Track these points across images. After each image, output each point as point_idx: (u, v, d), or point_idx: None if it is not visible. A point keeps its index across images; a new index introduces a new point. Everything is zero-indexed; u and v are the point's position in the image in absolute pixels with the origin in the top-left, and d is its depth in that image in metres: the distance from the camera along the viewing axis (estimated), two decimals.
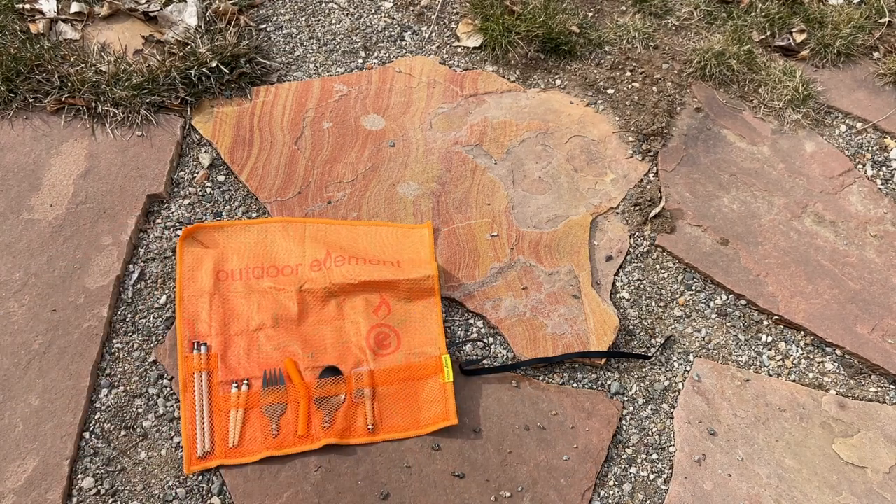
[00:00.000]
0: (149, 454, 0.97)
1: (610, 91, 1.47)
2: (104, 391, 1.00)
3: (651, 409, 1.09)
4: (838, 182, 1.40)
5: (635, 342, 1.16)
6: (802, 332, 1.20)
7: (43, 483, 0.92)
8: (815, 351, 1.19)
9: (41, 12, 1.37)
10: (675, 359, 1.15)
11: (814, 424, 1.10)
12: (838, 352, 1.19)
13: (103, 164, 1.21)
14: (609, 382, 1.11)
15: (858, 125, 1.51)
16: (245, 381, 1.00)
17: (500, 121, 1.39)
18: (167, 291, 1.10)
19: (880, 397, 1.15)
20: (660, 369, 1.14)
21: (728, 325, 1.20)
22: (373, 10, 1.55)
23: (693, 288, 1.23)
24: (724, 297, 1.23)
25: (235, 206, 1.21)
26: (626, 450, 1.06)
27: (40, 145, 1.21)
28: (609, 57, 1.52)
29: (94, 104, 1.25)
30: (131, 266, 1.12)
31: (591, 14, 1.61)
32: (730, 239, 1.28)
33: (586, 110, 1.43)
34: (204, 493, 0.95)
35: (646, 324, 1.18)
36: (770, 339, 1.19)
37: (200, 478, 0.96)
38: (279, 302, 1.07)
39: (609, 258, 1.23)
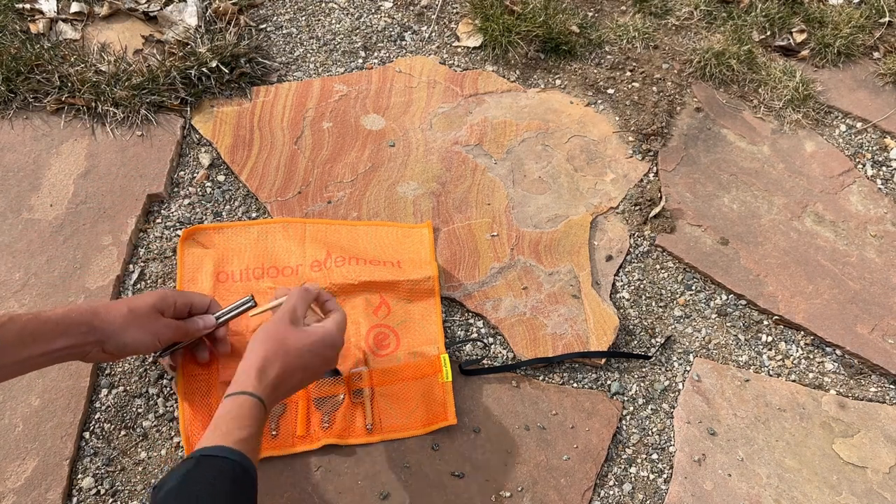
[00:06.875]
0: (149, 454, 0.97)
1: (610, 91, 1.47)
2: (104, 391, 1.00)
3: (651, 409, 1.09)
4: (838, 182, 1.40)
5: (635, 342, 1.16)
6: (802, 332, 1.20)
7: (43, 483, 0.92)
8: (815, 351, 1.19)
9: (41, 12, 1.37)
10: (675, 359, 1.15)
11: (814, 424, 1.10)
12: (838, 352, 1.19)
13: (103, 164, 1.21)
14: (609, 382, 1.11)
15: (858, 125, 1.51)
16: None
17: (500, 121, 1.39)
18: None
19: (880, 397, 1.15)
20: (660, 369, 1.14)
21: (728, 325, 1.20)
22: (373, 10, 1.55)
23: (693, 288, 1.23)
24: (724, 297, 1.23)
25: (235, 206, 1.21)
26: (626, 450, 1.06)
27: (40, 145, 1.21)
28: (609, 57, 1.52)
29: (94, 104, 1.25)
30: (131, 266, 1.12)
31: (591, 14, 1.61)
32: (730, 239, 1.28)
33: (586, 110, 1.43)
34: None
35: (646, 324, 1.18)
36: (770, 339, 1.19)
37: None
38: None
39: (609, 258, 1.23)
